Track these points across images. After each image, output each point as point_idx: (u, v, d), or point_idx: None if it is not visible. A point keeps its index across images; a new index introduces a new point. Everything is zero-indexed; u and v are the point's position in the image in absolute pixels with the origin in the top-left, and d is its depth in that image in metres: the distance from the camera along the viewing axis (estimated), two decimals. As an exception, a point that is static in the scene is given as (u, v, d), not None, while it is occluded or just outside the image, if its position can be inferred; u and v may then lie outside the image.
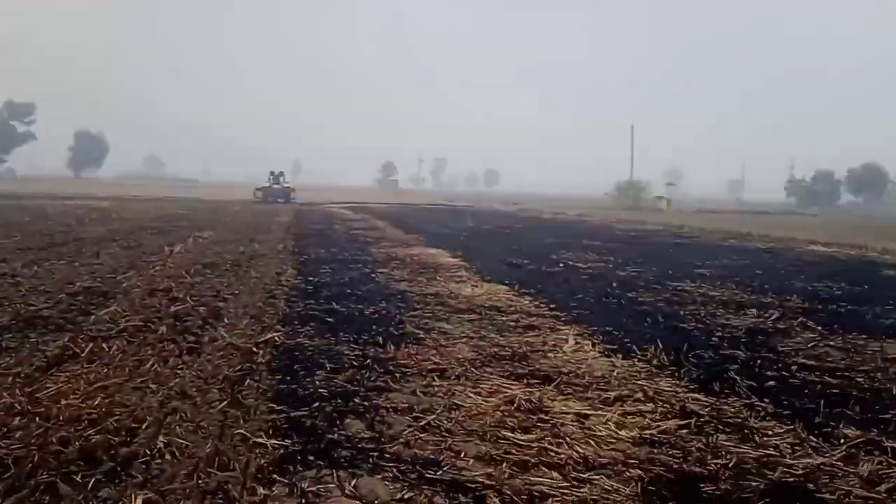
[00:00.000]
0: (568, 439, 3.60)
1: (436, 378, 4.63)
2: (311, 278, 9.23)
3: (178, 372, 4.48)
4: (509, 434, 3.64)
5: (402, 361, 5.02)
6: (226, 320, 6.20)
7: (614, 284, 9.51)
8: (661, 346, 5.61)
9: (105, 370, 4.46)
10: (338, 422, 3.74)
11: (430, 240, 16.62)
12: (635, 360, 5.30)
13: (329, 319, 6.48)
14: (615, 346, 5.71)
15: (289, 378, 4.51)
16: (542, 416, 3.96)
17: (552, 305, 7.63)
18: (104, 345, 5.15)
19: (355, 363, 4.94)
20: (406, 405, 4.06)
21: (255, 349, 5.17)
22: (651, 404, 4.25)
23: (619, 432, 3.77)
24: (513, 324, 6.57)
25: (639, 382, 4.70)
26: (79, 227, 16.14)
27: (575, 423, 3.85)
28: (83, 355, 4.79)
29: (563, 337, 6.02)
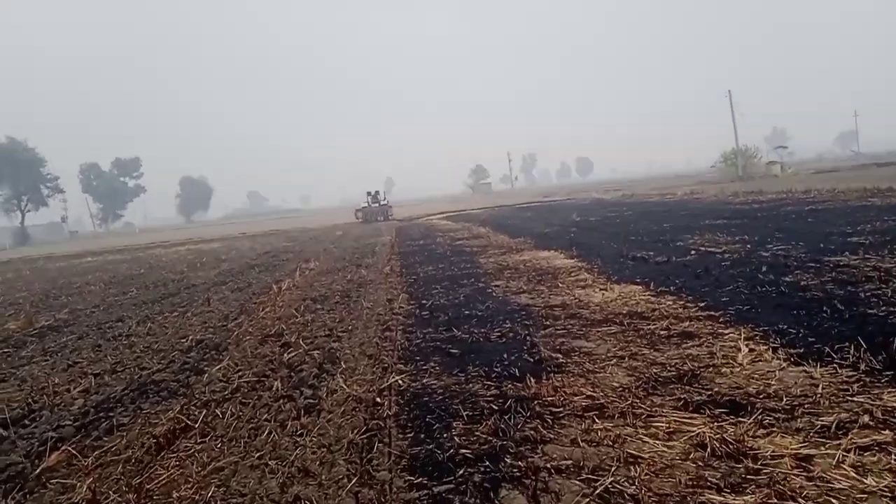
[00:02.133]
0: (800, 499, 2.72)
1: (595, 418, 3.84)
2: (424, 301, 8.64)
3: (298, 440, 3.92)
4: (717, 498, 2.80)
5: (549, 398, 4.26)
6: (343, 364, 5.66)
7: (764, 269, 8.32)
8: (862, 343, 4.55)
9: (219, 445, 3.98)
10: (493, 496, 3.03)
11: (539, 241, 15.75)
12: (836, 366, 4.29)
13: (453, 350, 5.81)
14: (801, 350, 4.70)
15: (422, 436, 3.85)
16: (750, 463, 3.09)
17: (702, 304, 6.62)
18: (217, 410, 4.71)
19: (495, 406, 4.22)
20: (569, 461, 3.30)
21: (378, 399, 4.57)
22: (888, 431, 3.27)
23: (864, 479, 2.84)
24: (664, 333, 5.66)
25: (856, 399, 3.71)
26: (191, 272, 16.44)
27: (798, 471, 2.96)
28: (196, 427, 4.35)
29: (732, 344, 5.06)
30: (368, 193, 49.83)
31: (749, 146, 65.69)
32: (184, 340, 7.42)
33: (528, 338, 5.97)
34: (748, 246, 10.64)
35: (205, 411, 4.72)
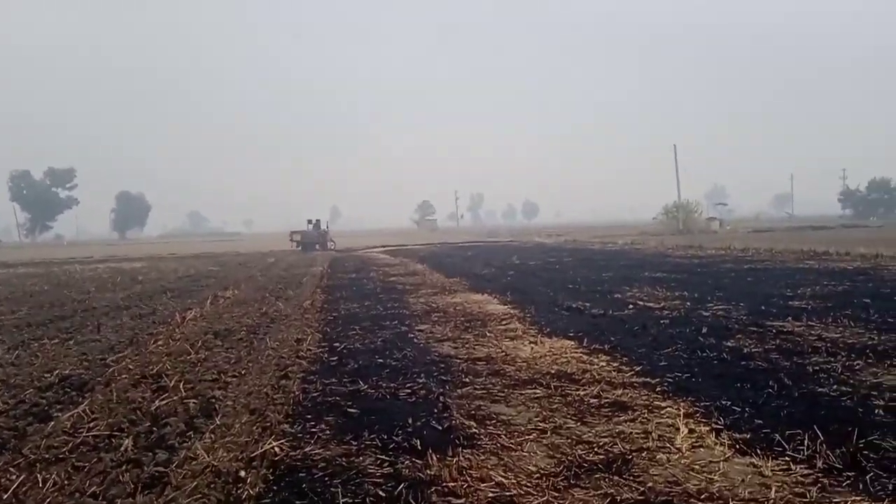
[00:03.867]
0: None
1: (503, 518, 3.07)
2: (336, 344, 7.80)
3: (119, 532, 3.01)
4: None
5: (450, 484, 3.48)
6: (218, 419, 4.76)
7: (704, 330, 7.81)
8: (817, 433, 3.95)
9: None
10: None
11: (474, 283, 15.11)
12: (788, 459, 3.66)
13: (351, 409, 4.98)
14: (748, 435, 4.07)
15: (280, 534, 3.00)
16: None
17: (638, 368, 6.00)
18: (41, 475, 3.75)
19: (382, 492, 3.41)
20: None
21: (242, 472, 3.69)
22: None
23: None
24: (594, 401, 4.98)
25: (816, 509, 3.06)
26: (98, 293, 15.05)
27: None
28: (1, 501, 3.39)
29: (670, 421, 4.40)
30: (309, 221, 48.51)
31: (690, 201, 67.50)
32: (48, 375, 6.37)
33: (441, 398, 5.20)
34: (688, 303, 10.20)
35: (23, 476, 3.75)
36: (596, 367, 6.14)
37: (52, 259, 39.27)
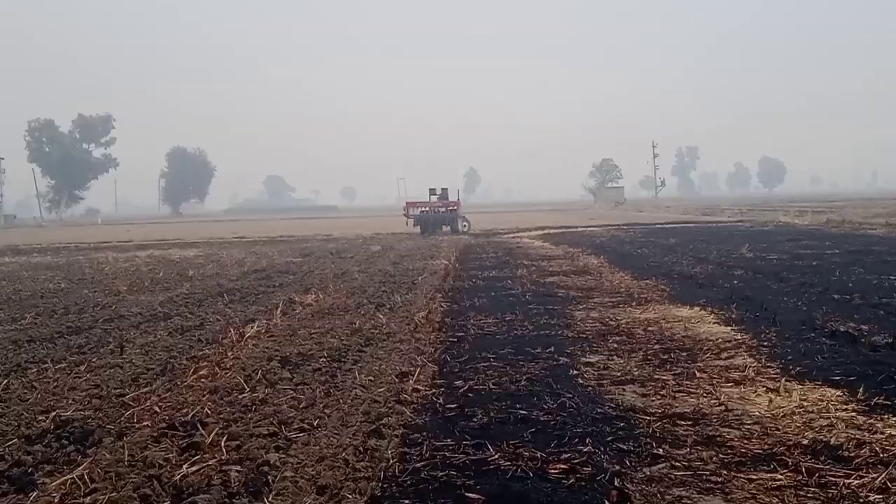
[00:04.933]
0: None
1: None
2: (458, 383, 7.67)
3: None
4: None
5: None
6: (266, 501, 4.66)
7: None
8: None
9: None
10: None
11: (679, 288, 14.52)
12: None
13: (472, 494, 4.75)
14: None
15: None
16: None
17: (956, 442, 5.31)
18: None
19: None
20: None
21: None
22: None
23: None
24: (878, 498, 4.42)
25: None
26: (130, 294, 15.88)
27: None
28: None
29: None
30: (433, 192, 49.02)
31: None
32: (42, 419, 6.64)
33: (616, 481, 4.86)
34: None
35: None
36: (881, 436, 5.55)
37: (78, 243, 42.56)
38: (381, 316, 11.95)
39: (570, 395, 7.10)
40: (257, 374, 8.16)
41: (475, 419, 6.43)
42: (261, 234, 48.66)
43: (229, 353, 9.27)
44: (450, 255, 25.09)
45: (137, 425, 6.41)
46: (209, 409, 6.79)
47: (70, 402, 7.24)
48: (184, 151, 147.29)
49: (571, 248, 27.56)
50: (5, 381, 8.26)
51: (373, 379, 7.90)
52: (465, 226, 45.55)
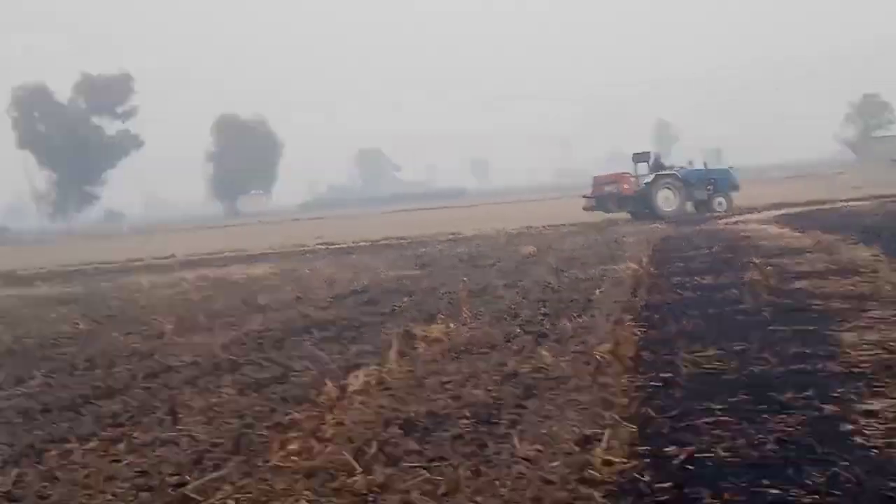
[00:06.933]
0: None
1: None
2: (670, 450, 5.79)
3: None
4: None
5: None
6: None
7: None
8: None
9: None
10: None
11: None
12: None
13: None
14: None
15: None
16: None
17: None
18: None
19: None
20: None
21: None
22: None
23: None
24: None
25: None
26: (179, 336, 12.97)
27: None
28: None
29: None
30: (639, 157, 39.13)
31: None
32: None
33: None
34: None
35: None
36: None
37: (98, 263, 34.30)
38: (545, 352, 9.34)
39: (846, 464, 5.28)
40: (371, 446, 6.39)
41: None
42: (356, 237, 39.97)
43: (328, 417, 7.27)
44: (639, 255, 20.14)
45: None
46: (307, 502, 5.44)
47: (108, 498, 5.83)
48: (236, 120, 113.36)
49: (825, 234, 21.41)
50: (15, 470, 6.48)
51: (541, 448, 6.15)
52: (720, 204, 37.20)
